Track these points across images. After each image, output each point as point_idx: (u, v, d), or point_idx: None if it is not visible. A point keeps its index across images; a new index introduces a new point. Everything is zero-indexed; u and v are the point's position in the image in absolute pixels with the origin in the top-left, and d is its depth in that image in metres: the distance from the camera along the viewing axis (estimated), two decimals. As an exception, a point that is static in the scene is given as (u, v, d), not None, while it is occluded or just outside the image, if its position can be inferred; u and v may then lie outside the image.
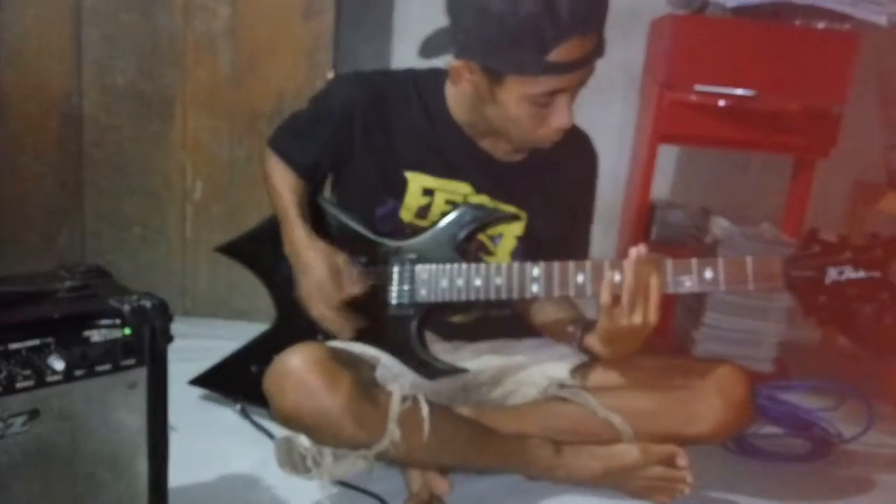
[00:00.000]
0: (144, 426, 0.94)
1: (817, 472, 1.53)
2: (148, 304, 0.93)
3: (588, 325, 1.25)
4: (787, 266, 1.10)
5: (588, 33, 1.10)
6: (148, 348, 0.92)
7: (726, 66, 1.82)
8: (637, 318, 1.11)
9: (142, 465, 0.95)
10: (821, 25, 1.84)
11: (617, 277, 1.14)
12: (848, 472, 1.54)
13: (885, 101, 2.07)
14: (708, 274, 1.12)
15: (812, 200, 2.01)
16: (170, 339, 0.95)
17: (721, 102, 1.79)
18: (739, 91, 1.79)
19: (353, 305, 1.28)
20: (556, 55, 1.09)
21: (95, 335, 0.88)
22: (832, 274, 1.08)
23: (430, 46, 1.20)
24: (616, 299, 1.12)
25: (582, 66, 1.12)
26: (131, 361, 0.91)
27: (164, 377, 0.95)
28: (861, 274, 1.08)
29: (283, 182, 1.36)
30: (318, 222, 1.35)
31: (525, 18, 1.05)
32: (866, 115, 2.14)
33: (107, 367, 0.90)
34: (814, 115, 1.83)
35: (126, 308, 0.91)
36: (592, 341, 1.22)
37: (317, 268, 1.26)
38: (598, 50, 1.14)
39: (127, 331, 0.90)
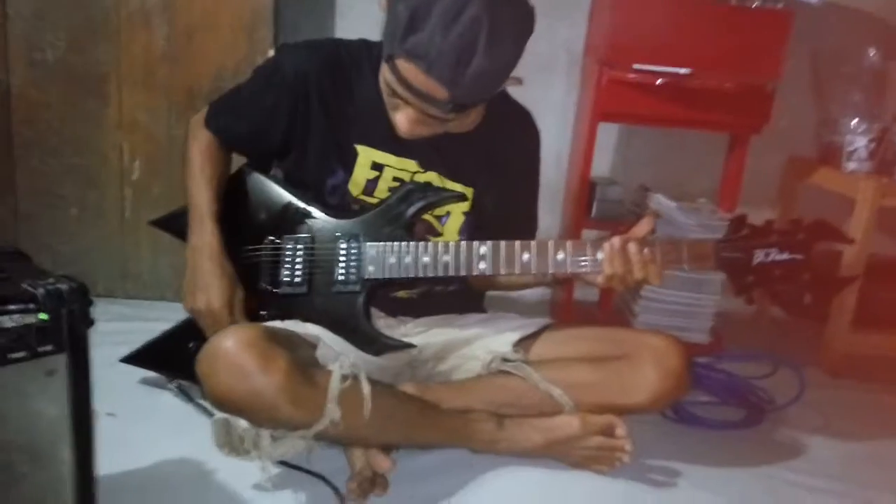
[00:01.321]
0: (67, 414, 0.90)
1: (752, 438, 1.58)
2: (65, 287, 0.88)
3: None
4: (718, 248, 1.18)
5: (431, 76, 1.10)
6: (67, 333, 0.88)
7: (664, 44, 1.85)
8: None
9: (65, 454, 0.91)
10: (755, 4, 1.88)
11: (560, 256, 1.18)
12: (781, 437, 1.61)
13: (816, 79, 2.13)
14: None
15: (748, 176, 2.06)
16: (90, 323, 0.90)
17: (658, 81, 1.82)
18: (676, 69, 1.82)
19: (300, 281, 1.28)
20: (400, 62, 1.12)
21: (7, 321, 0.84)
22: (759, 256, 1.17)
23: None
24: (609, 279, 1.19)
25: (416, 96, 1.14)
26: (49, 348, 0.87)
27: (86, 363, 0.91)
28: (785, 256, 1.17)
29: (206, 174, 1.33)
30: (258, 194, 1.33)
31: (397, 11, 1.09)
32: (799, 92, 2.20)
33: (22, 353, 0.85)
34: (748, 92, 1.88)
35: (40, 292, 0.86)
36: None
37: (216, 296, 1.26)
38: (444, 104, 1.14)
39: (43, 315, 0.86)
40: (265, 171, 1.39)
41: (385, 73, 1.18)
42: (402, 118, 1.21)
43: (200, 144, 1.36)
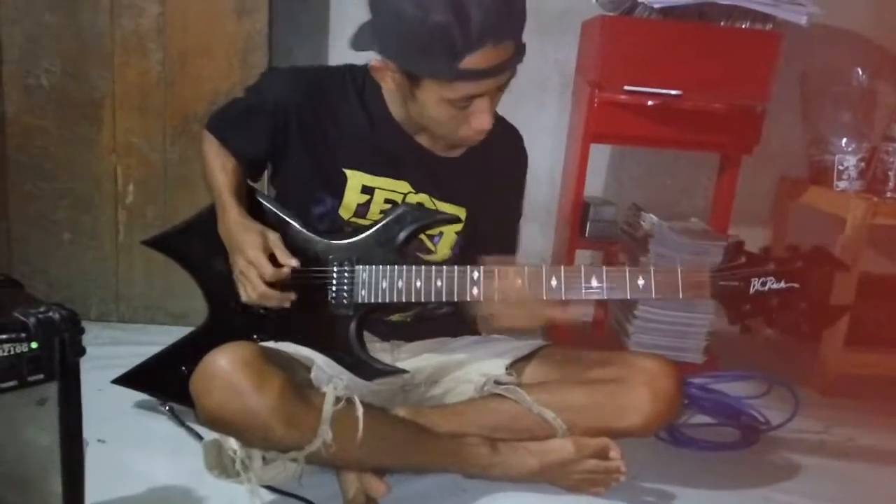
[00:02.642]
0: (57, 443, 0.90)
1: (746, 459, 1.58)
2: (56, 316, 0.88)
3: None
4: (715, 277, 1.16)
5: (502, 42, 1.10)
6: (58, 362, 0.88)
7: (654, 66, 1.86)
8: None
9: (55, 484, 0.91)
10: (744, 26, 1.90)
11: (553, 282, 1.18)
12: (775, 457, 1.60)
13: (805, 99, 2.15)
14: (640, 282, 1.17)
15: (739, 195, 2.08)
16: (81, 351, 0.90)
17: (649, 102, 1.83)
18: (667, 91, 1.83)
19: (291, 305, 1.26)
20: (469, 63, 1.09)
21: None
22: (756, 284, 1.16)
23: (357, 39, 1.19)
24: None
25: (497, 73, 1.12)
26: (39, 377, 0.87)
27: (77, 391, 0.91)
28: (782, 285, 1.16)
29: (219, 163, 1.33)
30: (256, 218, 1.32)
31: (435, 27, 1.05)
32: (790, 112, 2.22)
33: (12, 383, 0.85)
34: (738, 113, 1.89)
35: (31, 321, 0.86)
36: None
37: (249, 244, 1.23)
38: (515, 57, 1.14)
39: (34, 344, 0.86)
40: (255, 189, 1.40)
41: (445, 91, 1.13)
42: (482, 115, 1.17)
43: (208, 140, 1.37)
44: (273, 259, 1.22)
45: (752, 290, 1.16)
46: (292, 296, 1.24)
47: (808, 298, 1.15)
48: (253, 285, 1.22)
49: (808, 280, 1.16)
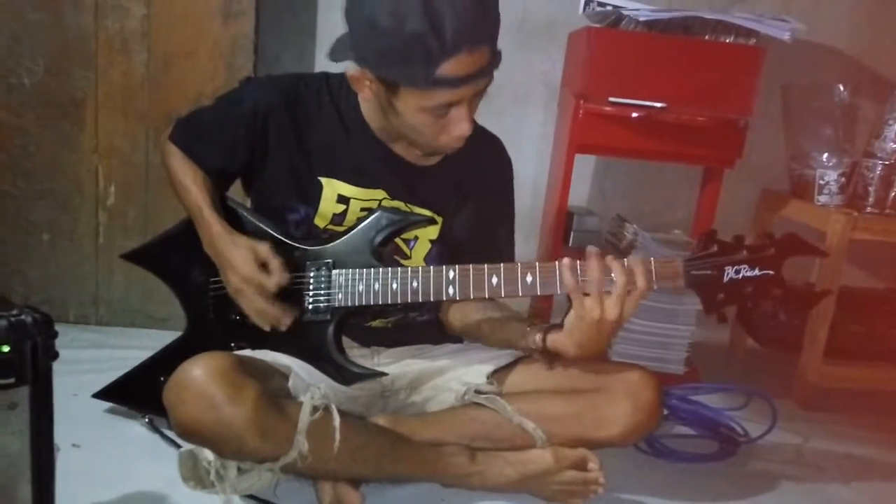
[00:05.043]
0: (27, 449, 0.88)
1: (725, 471, 1.58)
2: (29, 319, 0.86)
3: (551, 326, 1.24)
4: (688, 266, 1.15)
5: (477, 48, 1.09)
6: (29, 366, 0.86)
7: (639, 78, 1.87)
8: (607, 312, 1.13)
9: (25, 491, 0.89)
10: (728, 40, 1.92)
11: (529, 279, 1.17)
12: (754, 469, 1.61)
13: (787, 114, 2.17)
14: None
15: (722, 208, 2.09)
16: (54, 355, 0.89)
17: (634, 114, 1.84)
18: (651, 103, 1.85)
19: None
20: (445, 70, 1.08)
21: None
22: (729, 272, 1.15)
23: (335, 50, 1.19)
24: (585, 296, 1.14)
25: (474, 80, 1.11)
26: (10, 380, 0.85)
27: (49, 396, 0.89)
28: (756, 272, 1.15)
29: (191, 177, 1.31)
30: (230, 224, 1.31)
31: (410, 35, 1.05)
32: (773, 126, 2.25)
33: None
34: (721, 126, 1.90)
35: (3, 324, 0.84)
36: (558, 339, 1.20)
37: (242, 262, 1.22)
38: (491, 63, 1.13)
39: (4, 348, 0.84)
40: (226, 196, 1.38)
41: (423, 99, 1.12)
42: (461, 123, 1.16)
43: (175, 155, 1.35)
44: (265, 267, 1.22)
45: (725, 279, 1.14)
46: (291, 315, 1.23)
47: (782, 285, 1.14)
48: (251, 302, 1.22)
49: (781, 266, 1.14)
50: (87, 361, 1.69)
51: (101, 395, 1.45)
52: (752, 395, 1.82)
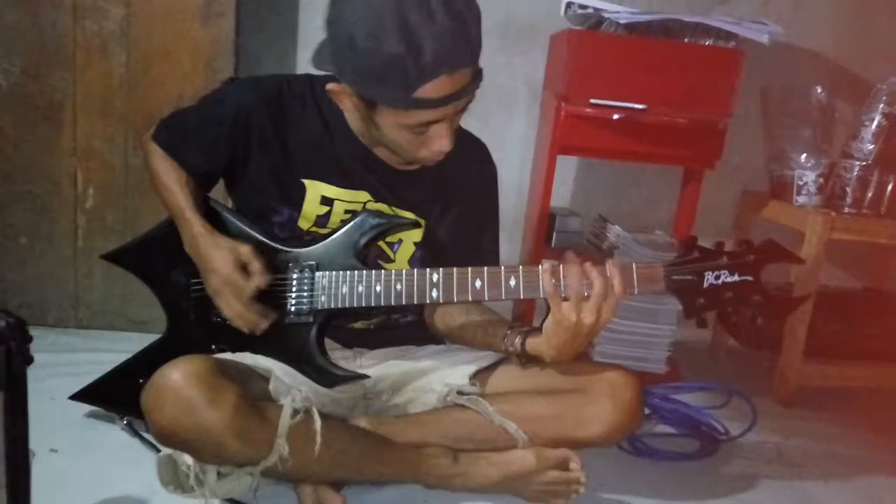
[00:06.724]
0: (1, 455, 0.86)
1: (706, 469, 1.59)
2: (2, 323, 0.84)
3: (531, 330, 1.25)
4: (668, 271, 1.17)
5: (457, 70, 1.08)
6: (3, 371, 0.84)
7: (620, 80, 1.88)
8: (584, 318, 1.13)
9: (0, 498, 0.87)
10: (708, 43, 1.94)
11: (512, 282, 1.17)
12: (734, 468, 1.62)
13: (766, 115, 2.19)
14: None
15: (703, 209, 2.11)
16: (29, 360, 0.86)
17: (615, 116, 1.85)
18: (632, 105, 1.86)
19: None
20: (424, 92, 1.07)
21: None
22: (709, 278, 1.17)
23: (317, 58, 1.18)
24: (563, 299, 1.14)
25: (454, 101, 1.11)
26: None
27: (24, 402, 0.87)
28: (736, 278, 1.17)
29: (173, 178, 1.30)
30: (213, 225, 1.30)
31: (388, 57, 1.04)
32: (752, 127, 2.27)
33: None
34: (701, 128, 1.92)
35: None
36: (537, 343, 1.22)
37: (222, 263, 1.21)
38: (472, 83, 1.12)
39: None
40: (209, 197, 1.38)
41: (402, 118, 1.12)
42: (440, 139, 1.16)
43: (158, 155, 1.34)
44: (246, 269, 1.21)
45: (705, 284, 1.16)
46: (266, 324, 1.22)
47: (761, 291, 1.16)
48: (229, 304, 1.21)
49: (760, 272, 1.16)
50: (65, 365, 1.67)
51: (79, 396, 1.43)
52: (733, 393, 1.83)
